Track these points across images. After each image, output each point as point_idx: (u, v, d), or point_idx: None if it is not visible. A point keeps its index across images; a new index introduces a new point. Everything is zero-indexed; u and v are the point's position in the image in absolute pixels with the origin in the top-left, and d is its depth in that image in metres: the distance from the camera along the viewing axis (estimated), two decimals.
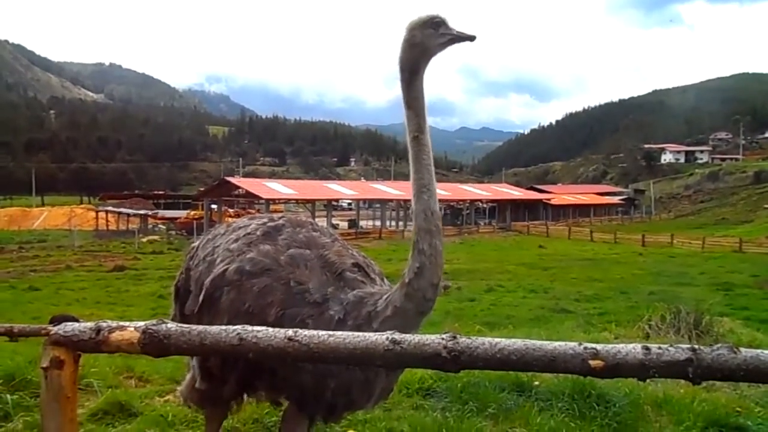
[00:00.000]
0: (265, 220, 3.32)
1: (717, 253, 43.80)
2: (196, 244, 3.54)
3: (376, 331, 2.68)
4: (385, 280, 3.17)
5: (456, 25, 2.84)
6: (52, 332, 2.15)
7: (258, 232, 3.14)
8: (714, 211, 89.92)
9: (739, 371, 1.78)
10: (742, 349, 1.81)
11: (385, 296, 2.76)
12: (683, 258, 40.26)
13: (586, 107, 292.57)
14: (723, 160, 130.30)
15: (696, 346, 1.84)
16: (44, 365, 2.13)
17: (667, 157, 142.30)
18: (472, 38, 2.86)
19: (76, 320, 2.23)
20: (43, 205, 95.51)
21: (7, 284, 26.94)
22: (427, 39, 2.78)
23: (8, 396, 4.49)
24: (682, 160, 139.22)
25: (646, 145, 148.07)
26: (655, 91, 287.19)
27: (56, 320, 2.22)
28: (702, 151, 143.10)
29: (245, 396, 3.33)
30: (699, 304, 8.65)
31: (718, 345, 1.84)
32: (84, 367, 4.55)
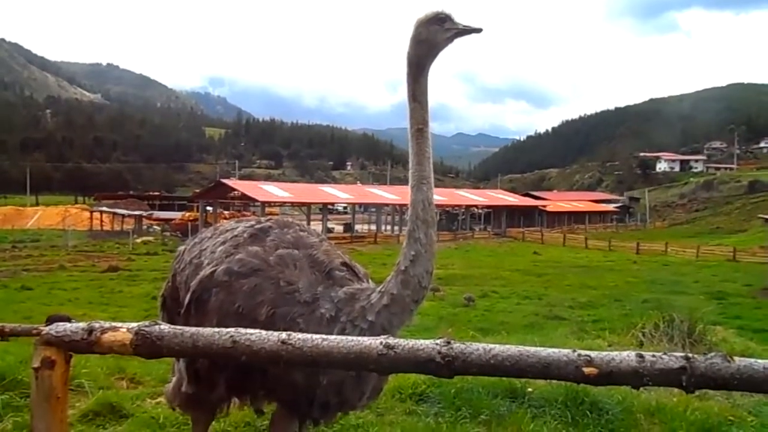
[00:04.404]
0: (252, 222, 3.33)
1: (711, 262, 43.92)
2: (181, 248, 3.53)
3: (371, 323, 2.69)
4: (371, 281, 3.18)
5: (462, 19, 2.88)
6: (44, 332, 2.13)
7: (245, 234, 3.14)
8: (708, 219, 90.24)
9: (733, 380, 1.79)
10: (736, 358, 1.81)
11: (379, 288, 2.79)
12: (677, 266, 40.32)
13: (582, 114, 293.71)
14: (717, 169, 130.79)
15: (690, 355, 1.84)
16: (35, 365, 2.11)
17: (662, 166, 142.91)
18: (478, 30, 2.92)
19: (70, 320, 2.21)
20: (37, 204, 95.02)
21: None
22: (433, 35, 2.86)
23: None
24: (677, 169, 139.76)
25: (642, 153, 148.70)
26: (651, 100, 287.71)
27: (52, 320, 2.20)
28: (697, 160, 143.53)
29: (233, 399, 3.27)
30: (692, 312, 8.64)
31: (712, 354, 1.84)
32: (75, 368, 4.52)
